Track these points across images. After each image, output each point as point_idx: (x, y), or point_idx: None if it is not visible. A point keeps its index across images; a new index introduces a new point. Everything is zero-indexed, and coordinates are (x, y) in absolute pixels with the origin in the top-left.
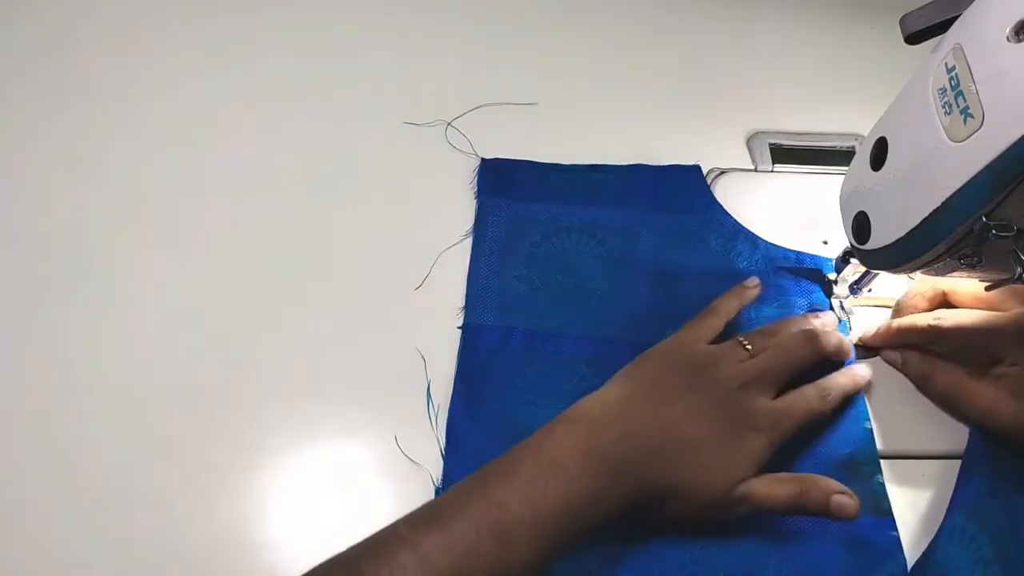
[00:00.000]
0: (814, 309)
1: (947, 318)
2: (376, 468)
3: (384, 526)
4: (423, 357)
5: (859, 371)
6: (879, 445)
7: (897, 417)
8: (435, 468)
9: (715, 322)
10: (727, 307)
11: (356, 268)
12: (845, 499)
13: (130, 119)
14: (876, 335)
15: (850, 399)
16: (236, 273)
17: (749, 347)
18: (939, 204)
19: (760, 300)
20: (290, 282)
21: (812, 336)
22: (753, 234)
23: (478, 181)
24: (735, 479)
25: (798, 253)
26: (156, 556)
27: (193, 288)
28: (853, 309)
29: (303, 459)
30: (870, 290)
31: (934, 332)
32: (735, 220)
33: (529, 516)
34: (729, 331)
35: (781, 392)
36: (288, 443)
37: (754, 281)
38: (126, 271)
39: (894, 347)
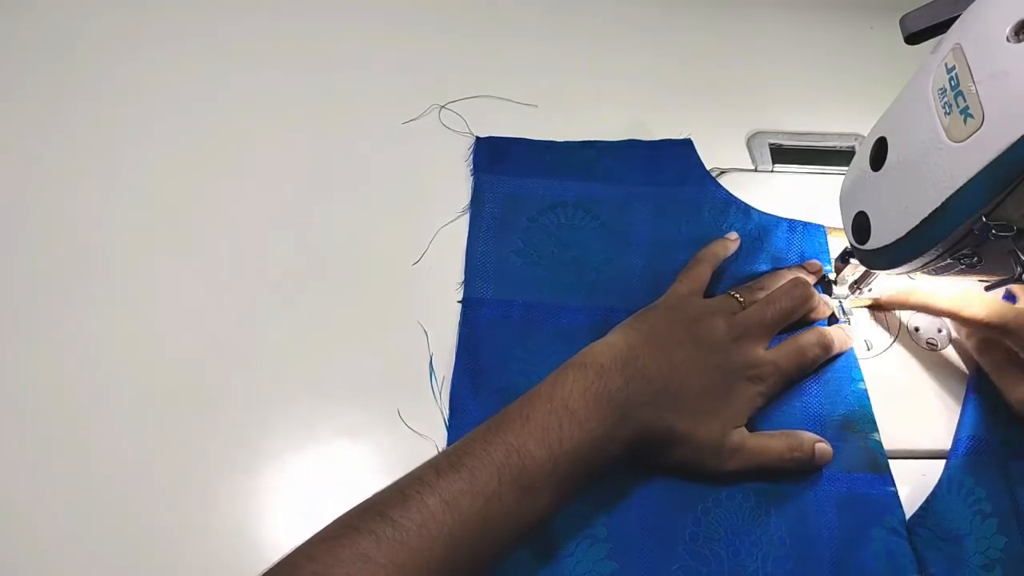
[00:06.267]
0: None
1: (966, 307)
2: (381, 439)
3: (406, 473)
4: (425, 331)
5: (848, 330)
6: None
7: (897, 417)
8: (439, 438)
9: (703, 271)
10: (712, 255)
11: (356, 248)
12: (824, 445)
13: (132, 120)
14: (892, 300)
15: (840, 356)
16: (238, 256)
17: (741, 300)
18: (939, 204)
19: (753, 264)
20: (291, 263)
21: (800, 284)
22: (746, 204)
23: (474, 159)
24: (729, 425)
25: (790, 220)
26: (160, 548)
27: (197, 275)
28: (853, 310)
29: (308, 433)
30: (870, 289)
31: (951, 317)
32: (727, 191)
33: (547, 460)
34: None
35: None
36: (294, 418)
37: (733, 235)
38: (127, 268)
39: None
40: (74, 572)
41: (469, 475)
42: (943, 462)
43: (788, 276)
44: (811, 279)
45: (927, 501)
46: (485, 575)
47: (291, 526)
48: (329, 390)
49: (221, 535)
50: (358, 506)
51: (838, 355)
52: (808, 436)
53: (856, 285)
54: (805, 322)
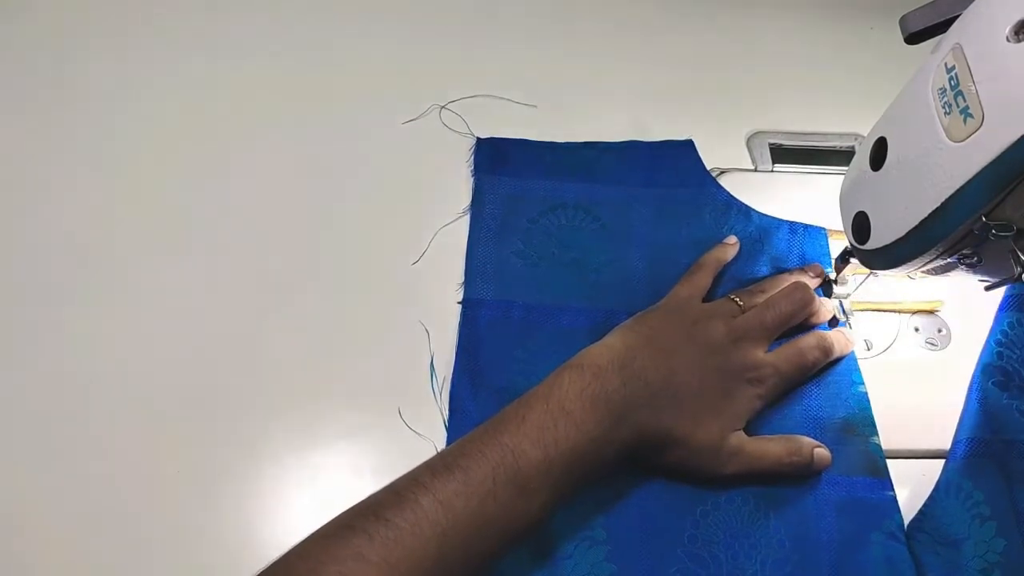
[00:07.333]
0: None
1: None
2: (381, 441)
3: (402, 474)
4: (427, 331)
5: (849, 334)
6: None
7: (897, 417)
8: (439, 439)
9: (705, 276)
10: (713, 262)
11: (356, 248)
12: (823, 451)
13: (131, 120)
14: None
15: (841, 359)
16: (238, 257)
17: (740, 303)
18: (939, 204)
19: (753, 266)
20: (291, 263)
21: (801, 288)
22: (746, 206)
23: (474, 160)
24: (727, 428)
25: (791, 223)
26: (160, 548)
27: (198, 275)
28: (853, 310)
29: (308, 434)
30: (862, 282)
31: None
32: (728, 193)
33: (542, 461)
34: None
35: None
36: (293, 419)
37: (732, 239)
38: (126, 269)
39: None
40: (74, 572)
41: (464, 475)
42: (943, 462)
43: (789, 280)
44: (812, 283)
45: (925, 505)
46: (479, 575)
47: (291, 526)
48: (329, 390)
49: (221, 535)
50: (354, 507)
51: (839, 358)
52: (807, 441)
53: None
54: (806, 326)
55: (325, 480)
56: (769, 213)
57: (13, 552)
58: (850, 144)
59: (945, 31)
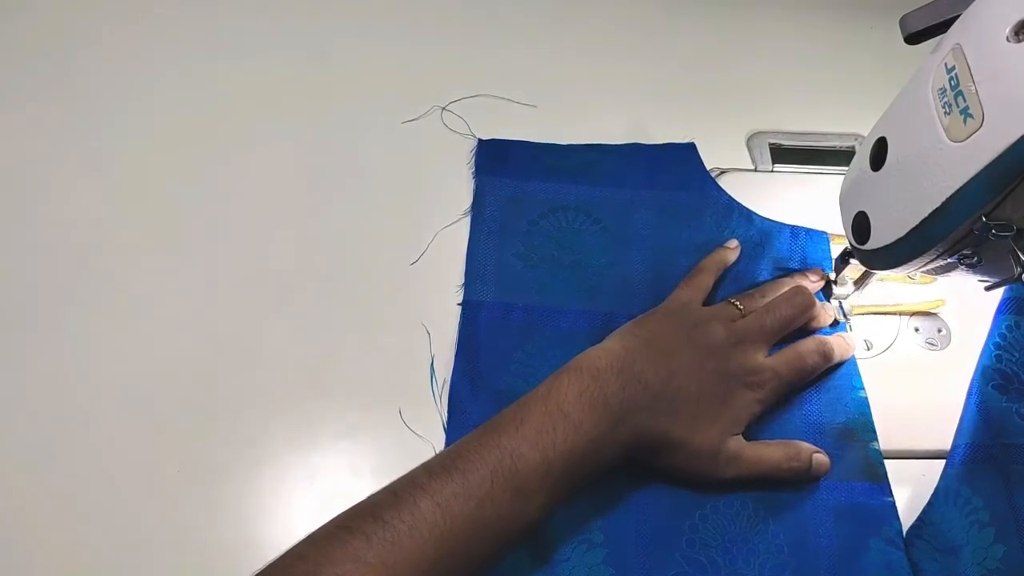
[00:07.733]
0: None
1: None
2: (380, 440)
3: (400, 476)
4: (428, 332)
5: (849, 338)
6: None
7: (897, 417)
8: (439, 440)
9: (705, 279)
10: (714, 265)
11: (355, 248)
12: (822, 456)
13: (130, 119)
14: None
15: (841, 364)
16: (238, 257)
17: (741, 307)
18: (939, 204)
19: (755, 270)
20: (291, 263)
21: (801, 292)
22: (748, 209)
23: (476, 161)
24: (726, 432)
25: (793, 227)
26: (160, 548)
27: (197, 275)
28: (853, 312)
29: (307, 434)
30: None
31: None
32: (730, 196)
33: (540, 463)
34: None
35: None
36: (292, 419)
37: (733, 243)
38: (126, 269)
39: None
40: (74, 572)
41: (462, 477)
42: (943, 463)
43: (789, 284)
44: (813, 287)
45: (924, 512)
46: None
47: (291, 526)
48: (329, 390)
49: (221, 535)
50: (351, 508)
51: (839, 363)
52: (806, 446)
53: (856, 283)
54: (806, 330)
55: (325, 480)
56: (769, 213)
57: (13, 552)
58: (850, 144)
59: (945, 31)
